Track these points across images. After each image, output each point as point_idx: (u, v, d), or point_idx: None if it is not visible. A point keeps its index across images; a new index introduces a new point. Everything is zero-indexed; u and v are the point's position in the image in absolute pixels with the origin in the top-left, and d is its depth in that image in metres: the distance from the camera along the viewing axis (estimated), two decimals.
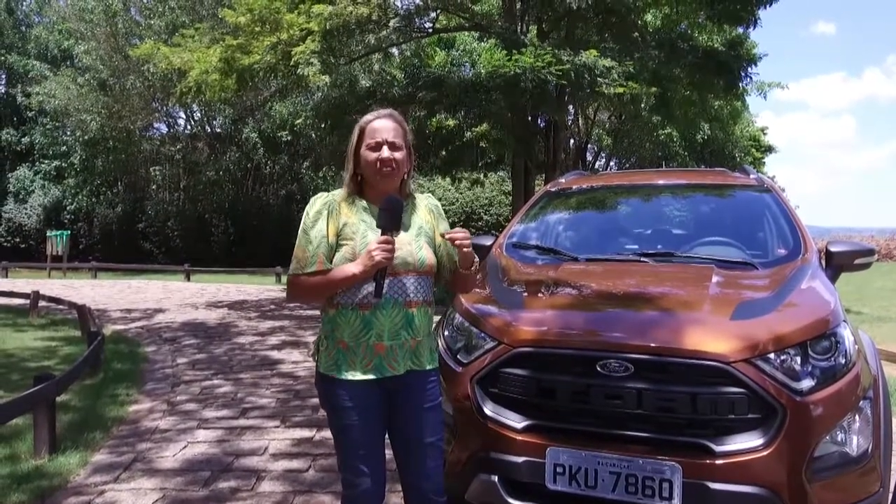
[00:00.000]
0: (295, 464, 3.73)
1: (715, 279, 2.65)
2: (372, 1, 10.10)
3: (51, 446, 3.84)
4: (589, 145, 25.85)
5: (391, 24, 10.77)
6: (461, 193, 23.33)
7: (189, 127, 25.24)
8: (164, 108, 23.86)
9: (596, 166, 26.31)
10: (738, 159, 28.33)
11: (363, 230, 2.04)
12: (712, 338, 2.18)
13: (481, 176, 18.77)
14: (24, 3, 26.25)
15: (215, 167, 23.53)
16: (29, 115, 23.64)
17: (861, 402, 2.23)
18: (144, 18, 21.24)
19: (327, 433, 4.23)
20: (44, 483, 3.43)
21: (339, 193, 2.12)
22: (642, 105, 13.67)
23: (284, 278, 16.87)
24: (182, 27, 17.20)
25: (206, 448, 4.00)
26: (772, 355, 2.16)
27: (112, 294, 13.71)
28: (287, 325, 9.15)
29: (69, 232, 21.15)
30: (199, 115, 24.39)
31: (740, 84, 12.44)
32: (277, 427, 4.42)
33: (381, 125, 2.10)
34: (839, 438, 2.16)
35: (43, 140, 23.82)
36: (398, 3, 11.41)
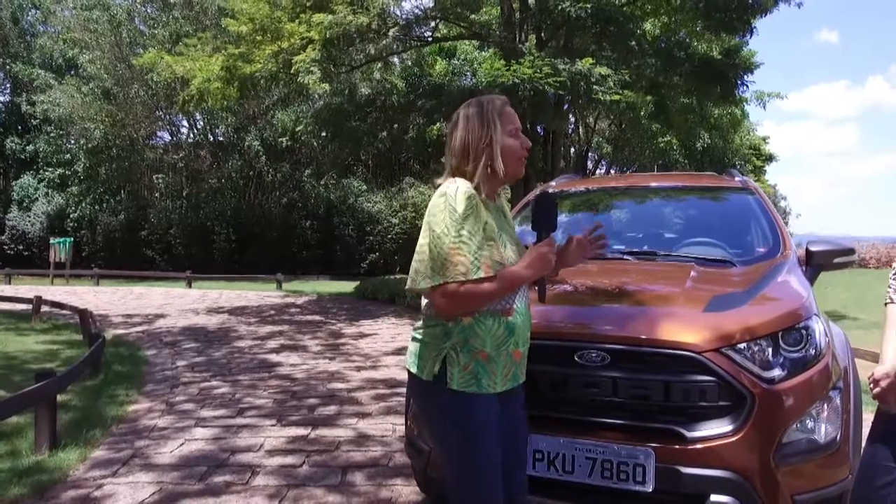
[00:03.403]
0: (289, 459, 3.81)
1: (692, 275, 2.74)
2: (371, 10, 10.28)
3: (51, 442, 3.93)
4: (589, 153, 26.02)
5: (390, 33, 10.93)
6: None
7: (192, 135, 25.45)
8: (167, 117, 24.08)
9: (596, 174, 26.42)
10: (738, 168, 28.44)
11: (498, 230, 1.87)
12: (685, 329, 2.26)
13: None
14: (30, 13, 26.53)
15: (217, 175, 23.69)
16: (33, 123, 23.85)
17: (830, 393, 2.31)
18: (148, 28, 21.51)
19: (322, 431, 4.35)
20: (44, 477, 3.52)
21: (469, 185, 1.84)
22: (641, 113, 13.83)
23: (285, 285, 17.06)
24: (185, 37, 17.44)
25: (202, 445, 4.08)
26: (742, 345, 2.24)
27: (114, 300, 13.82)
28: (286, 329, 9.23)
29: (72, 239, 21.29)
30: (201, 123, 24.61)
31: (736, 92, 12.56)
32: (273, 426, 4.50)
33: (513, 111, 1.93)
34: (808, 426, 2.24)
35: (47, 148, 24.02)
36: (397, 13, 11.57)
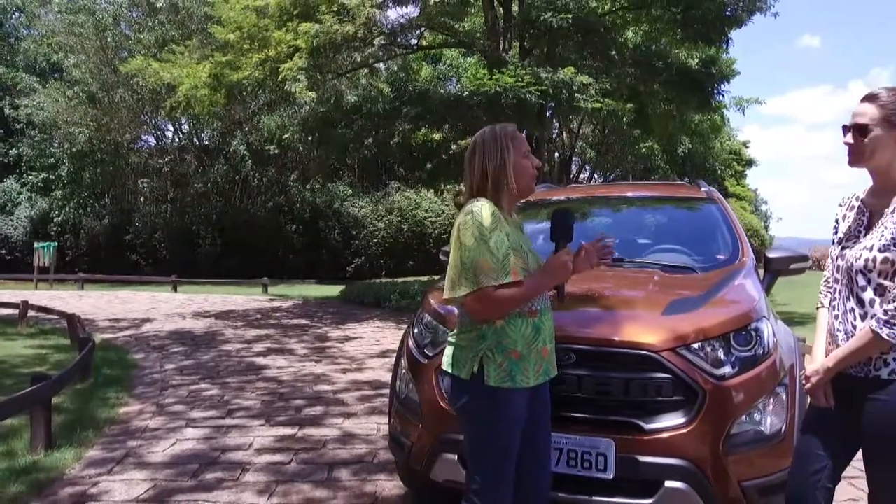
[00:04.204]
0: (278, 457, 3.98)
1: (655, 280, 2.96)
2: (358, 19, 10.45)
3: (46, 443, 4.06)
4: (574, 158, 26.34)
5: (376, 42, 11.12)
6: (447, 205, 23.65)
7: (177, 139, 25.44)
8: (153, 121, 24.07)
9: (580, 178, 26.76)
10: (718, 172, 28.96)
11: (519, 242, 2.12)
12: (644, 330, 2.48)
13: None
14: (13, 17, 26.42)
15: (203, 179, 23.71)
16: (17, 127, 23.74)
17: (777, 388, 2.53)
18: (134, 33, 21.49)
19: (309, 430, 4.52)
20: (41, 476, 3.66)
21: (491, 203, 2.08)
22: (624, 119, 14.12)
23: (271, 289, 17.15)
24: (172, 41, 17.49)
25: (193, 444, 4.24)
26: (696, 345, 2.46)
27: (100, 305, 13.85)
28: (273, 333, 9.37)
29: (56, 244, 21.23)
30: (187, 127, 24.62)
31: (713, 100, 12.89)
32: (262, 426, 4.67)
33: (522, 135, 2.18)
34: (755, 418, 2.46)
35: (31, 152, 23.92)
36: (383, 21, 11.76)
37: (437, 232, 23.23)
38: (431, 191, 18.42)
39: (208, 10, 12.98)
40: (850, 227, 2.02)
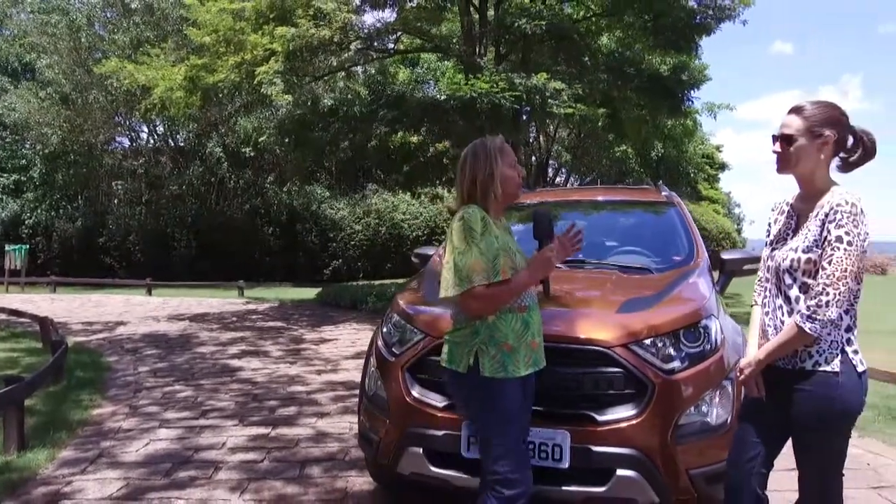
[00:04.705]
0: (251, 456, 4.06)
1: (613, 281, 3.11)
2: (334, 24, 10.52)
3: (19, 444, 4.09)
4: (550, 161, 26.63)
5: (352, 46, 11.19)
6: (425, 208, 23.75)
7: (152, 141, 25.19)
8: (127, 122, 23.82)
9: (557, 181, 27.07)
10: (692, 176, 29.49)
11: (507, 243, 2.31)
12: (598, 328, 2.62)
13: (445, 192, 19.26)
14: None
15: (178, 181, 23.51)
16: None
17: (723, 382, 2.68)
18: (108, 33, 21.25)
19: (282, 430, 4.60)
20: (14, 476, 3.69)
21: (480, 209, 2.27)
22: (599, 124, 14.36)
23: (247, 292, 17.09)
24: (147, 42, 17.36)
25: (167, 444, 4.29)
26: (647, 341, 2.60)
27: (72, 308, 13.72)
28: (248, 335, 9.39)
29: (28, 246, 20.91)
30: (162, 129, 24.39)
31: (682, 106, 13.18)
32: (235, 426, 4.73)
33: (509, 147, 2.39)
34: (702, 410, 2.61)
35: (2, 153, 23.51)
36: (359, 25, 11.83)
37: (414, 234, 23.30)
38: (409, 193, 18.49)
39: (184, 13, 12.93)
40: (779, 230, 2.18)
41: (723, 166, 36.57)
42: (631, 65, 12.82)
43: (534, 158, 25.40)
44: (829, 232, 1.95)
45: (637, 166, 25.33)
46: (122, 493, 3.47)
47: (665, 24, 11.37)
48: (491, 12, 12.64)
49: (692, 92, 12.85)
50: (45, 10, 21.23)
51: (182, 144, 24.85)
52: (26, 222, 22.78)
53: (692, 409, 2.59)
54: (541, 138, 24.39)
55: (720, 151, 36.70)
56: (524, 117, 12.95)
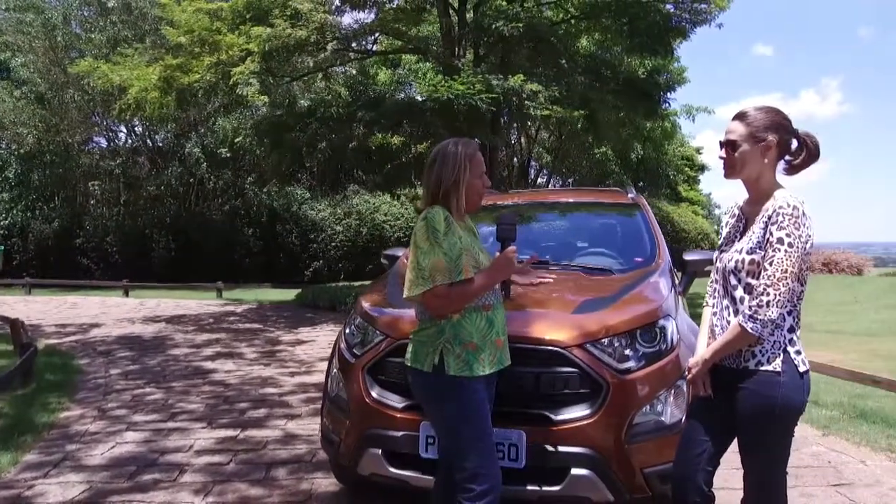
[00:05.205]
0: (217, 458, 4.04)
1: (573, 281, 3.14)
2: (310, 24, 10.49)
3: None
4: (532, 162, 26.77)
5: (329, 46, 11.16)
6: (405, 209, 23.73)
7: (130, 141, 24.89)
8: (104, 122, 23.52)
9: (538, 182, 27.19)
10: (671, 177, 29.78)
11: (470, 244, 2.33)
12: (554, 328, 2.65)
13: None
14: None
15: (157, 182, 23.26)
16: None
17: (678, 381, 2.72)
18: (85, 32, 20.98)
19: (251, 432, 4.59)
20: None
21: (444, 210, 2.30)
22: (578, 126, 14.46)
23: (226, 293, 16.97)
24: (124, 41, 17.18)
25: (133, 447, 4.26)
26: (604, 341, 2.64)
27: (47, 310, 13.53)
28: (223, 337, 9.33)
29: (3, 248, 20.59)
30: (140, 129, 24.12)
31: (658, 109, 13.30)
32: (204, 428, 4.71)
33: (481, 156, 2.40)
34: (657, 409, 2.65)
35: None
36: (336, 25, 11.79)
37: (395, 235, 23.26)
38: (388, 195, 18.48)
39: (159, 13, 12.81)
40: (728, 232, 2.22)
41: (703, 168, 36.95)
42: (608, 67, 12.91)
43: (515, 160, 25.53)
44: (771, 234, 1.99)
45: (617, 168, 25.51)
46: (84, 497, 3.44)
47: (640, 28, 11.47)
48: (470, 14, 12.69)
49: (668, 94, 12.97)
50: (21, 7, 20.88)
51: (160, 145, 24.59)
52: (1, 223, 22.42)
53: (647, 408, 2.63)
54: (522, 140, 24.51)
55: (700, 153, 37.07)
56: (504, 119, 13.02)
